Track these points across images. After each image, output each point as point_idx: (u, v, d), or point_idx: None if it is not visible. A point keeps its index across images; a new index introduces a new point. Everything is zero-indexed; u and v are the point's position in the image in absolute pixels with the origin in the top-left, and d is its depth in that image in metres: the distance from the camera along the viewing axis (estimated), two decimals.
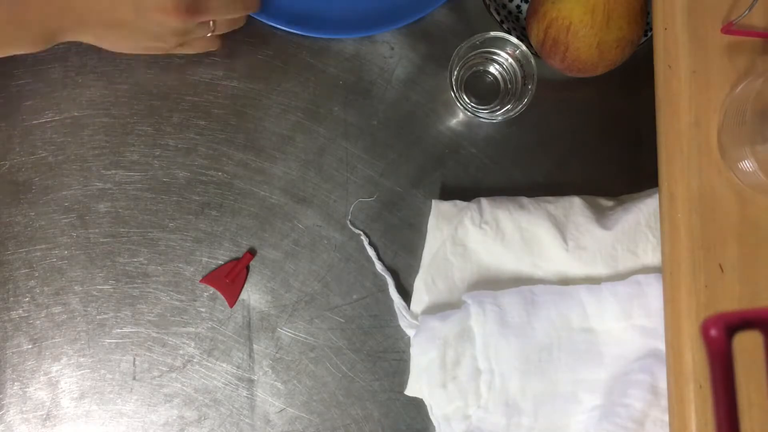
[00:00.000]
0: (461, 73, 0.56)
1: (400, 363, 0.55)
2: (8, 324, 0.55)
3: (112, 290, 0.55)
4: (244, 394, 0.54)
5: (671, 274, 0.48)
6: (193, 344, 0.55)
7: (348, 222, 0.56)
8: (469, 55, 0.55)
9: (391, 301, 0.55)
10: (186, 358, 0.55)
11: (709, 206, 0.47)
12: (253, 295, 0.55)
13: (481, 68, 0.57)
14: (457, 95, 0.53)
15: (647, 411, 0.49)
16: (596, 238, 0.53)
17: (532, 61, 0.52)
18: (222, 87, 0.57)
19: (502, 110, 0.55)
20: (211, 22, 0.50)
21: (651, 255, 0.53)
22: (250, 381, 0.54)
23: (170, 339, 0.55)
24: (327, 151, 0.57)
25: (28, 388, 0.54)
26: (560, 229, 0.53)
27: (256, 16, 0.55)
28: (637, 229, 0.53)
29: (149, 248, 0.56)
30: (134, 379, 0.55)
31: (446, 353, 0.51)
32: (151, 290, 0.55)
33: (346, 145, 0.57)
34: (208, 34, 0.51)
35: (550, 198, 0.55)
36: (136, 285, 0.55)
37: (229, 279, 0.55)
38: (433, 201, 0.55)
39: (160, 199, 0.56)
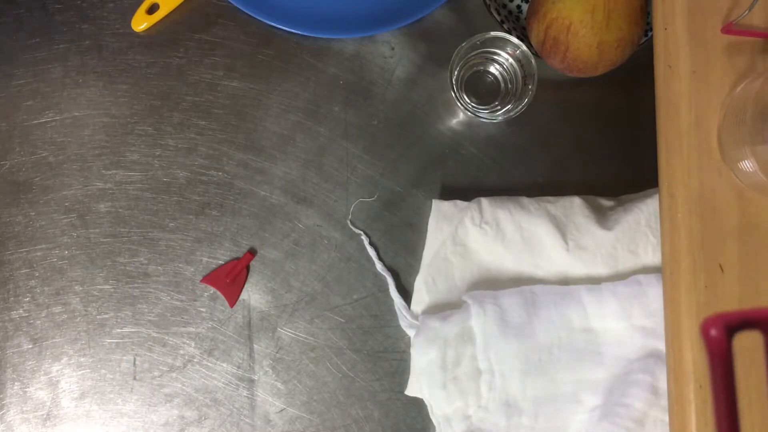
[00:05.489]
0: (462, 73, 0.56)
1: (401, 363, 0.55)
2: (9, 324, 0.55)
3: (112, 290, 0.55)
4: (245, 394, 0.54)
5: (671, 274, 0.48)
6: (193, 344, 0.55)
7: (348, 222, 0.56)
8: (470, 55, 0.55)
9: (392, 301, 0.55)
10: (186, 358, 0.55)
11: (709, 206, 0.47)
12: (253, 295, 0.55)
13: (482, 68, 0.57)
14: (457, 95, 0.53)
15: (647, 411, 0.49)
16: (596, 238, 0.53)
17: (533, 61, 0.52)
18: (222, 87, 0.57)
19: (503, 110, 0.55)
20: None
21: (651, 255, 0.53)
22: (251, 381, 0.55)
23: (170, 339, 0.55)
24: (327, 151, 0.57)
25: (29, 387, 0.55)
26: (560, 229, 0.53)
27: (256, 16, 0.55)
28: (638, 229, 0.53)
29: (149, 248, 0.56)
30: (135, 379, 0.55)
31: (446, 353, 0.51)
32: (152, 290, 0.55)
33: (346, 145, 0.57)
34: None
35: (551, 198, 0.55)
36: (136, 285, 0.55)
37: (229, 279, 0.55)
38: (434, 201, 0.55)
39: (160, 199, 0.56)
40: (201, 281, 0.55)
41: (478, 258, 0.54)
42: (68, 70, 0.57)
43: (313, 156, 0.57)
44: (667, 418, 0.48)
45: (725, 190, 0.47)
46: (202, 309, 0.55)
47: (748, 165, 0.46)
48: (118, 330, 0.55)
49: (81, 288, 0.55)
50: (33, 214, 0.56)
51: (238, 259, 0.56)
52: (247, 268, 0.55)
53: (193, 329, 0.55)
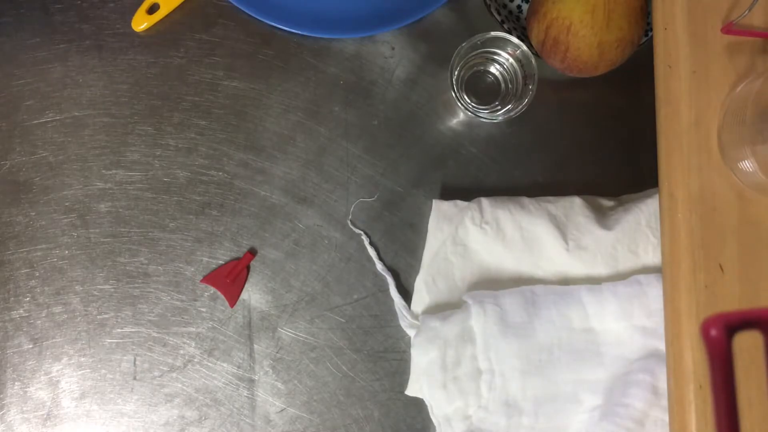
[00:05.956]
0: (462, 73, 0.56)
1: (401, 363, 0.55)
2: (9, 324, 0.55)
3: (112, 290, 0.55)
4: (245, 394, 0.54)
5: (671, 274, 0.48)
6: (193, 344, 0.55)
7: (348, 222, 0.56)
8: (470, 55, 0.55)
9: (392, 301, 0.55)
10: (187, 358, 0.55)
11: (709, 206, 0.47)
12: (253, 294, 0.55)
13: (482, 68, 0.57)
14: (457, 95, 0.54)
15: (648, 411, 0.49)
16: (597, 238, 0.53)
17: (533, 61, 0.52)
18: (223, 87, 0.57)
19: (503, 110, 0.55)
20: None
21: (651, 255, 0.53)
22: (251, 381, 0.55)
23: (171, 339, 0.55)
24: (327, 151, 0.57)
25: (29, 387, 0.55)
26: (561, 229, 0.53)
27: (256, 16, 0.55)
28: (638, 229, 0.53)
29: (150, 248, 0.56)
30: (135, 378, 0.55)
31: (447, 353, 0.51)
32: (152, 290, 0.55)
33: (346, 145, 0.57)
34: None
35: (551, 198, 0.55)
36: (136, 285, 0.55)
37: (229, 279, 0.55)
38: (434, 201, 0.55)
39: (160, 198, 0.56)
40: (201, 281, 0.55)
41: (478, 258, 0.54)
42: (68, 70, 0.57)
43: (314, 156, 0.57)
44: (667, 418, 0.48)
45: (725, 190, 0.47)
46: (202, 309, 0.55)
47: (748, 165, 0.46)
48: (119, 330, 0.55)
49: (81, 288, 0.55)
50: (33, 214, 0.56)
51: (238, 259, 0.56)
52: (248, 268, 0.55)
53: (194, 329, 0.55)
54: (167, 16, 0.57)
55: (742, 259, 0.47)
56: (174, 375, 0.55)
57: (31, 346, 0.55)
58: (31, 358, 0.55)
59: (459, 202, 0.55)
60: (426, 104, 0.57)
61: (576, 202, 0.54)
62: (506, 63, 0.56)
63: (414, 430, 0.54)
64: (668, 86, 0.49)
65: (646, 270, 0.52)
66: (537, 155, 0.57)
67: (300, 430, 0.54)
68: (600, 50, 0.50)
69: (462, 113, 0.57)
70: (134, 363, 0.55)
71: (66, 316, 0.55)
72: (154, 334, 0.55)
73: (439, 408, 0.51)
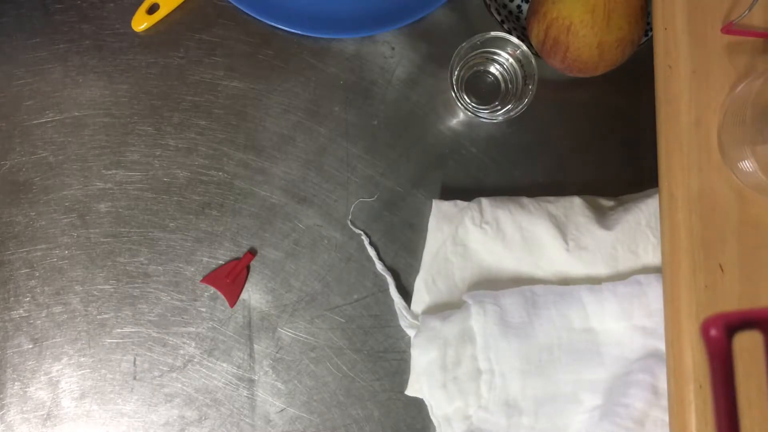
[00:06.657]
0: (462, 73, 0.56)
1: (401, 363, 0.55)
2: (9, 324, 0.55)
3: (112, 290, 0.55)
4: (245, 394, 0.54)
5: (671, 274, 0.48)
6: (193, 344, 0.55)
7: (348, 222, 0.56)
8: (470, 55, 0.55)
9: (392, 301, 0.55)
10: (186, 358, 0.55)
11: (709, 206, 0.47)
12: (253, 295, 0.55)
13: (482, 68, 0.57)
14: (457, 95, 0.54)
15: (647, 411, 0.49)
16: (597, 238, 0.53)
17: (533, 61, 0.52)
18: (223, 87, 0.57)
19: (503, 110, 0.55)
20: None
21: (651, 255, 0.53)
22: (251, 381, 0.55)
23: (171, 339, 0.55)
24: (327, 151, 0.57)
25: (29, 387, 0.55)
26: (561, 229, 0.53)
27: (256, 16, 0.55)
28: (638, 229, 0.53)
29: (150, 248, 0.56)
30: (135, 378, 0.55)
31: (447, 353, 0.51)
32: (152, 290, 0.55)
33: (346, 145, 0.57)
34: None
35: (551, 198, 0.55)
36: (136, 285, 0.55)
37: (229, 279, 0.55)
38: (434, 201, 0.55)
39: (160, 198, 0.56)
40: (201, 281, 0.55)
41: (478, 258, 0.54)
42: (68, 70, 0.57)
43: (314, 156, 0.57)
44: (667, 418, 0.48)
45: (725, 190, 0.47)
46: (202, 309, 0.55)
47: (748, 165, 0.46)
48: (119, 330, 0.55)
49: (81, 288, 0.55)
50: (33, 214, 0.56)
51: (238, 259, 0.56)
52: (248, 268, 0.55)
53: (194, 329, 0.55)
54: (167, 16, 0.57)
55: (742, 259, 0.47)
56: (174, 375, 0.55)
57: (31, 346, 0.55)
58: (31, 358, 0.55)
59: (459, 202, 0.55)
60: (426, 104, 0.57)
61: (576, 202, 0.54)
62: (506, 63, 0.56)
63: (414, 430, 0.54)
64: (668, 86, 0.49)
65: (646, 270, 0.52)
66: (537, 155, 0.57)
67: (300, 430, 0.54)
68: (600, 50, 0.50)
69: (462, 113, 0.57)
70: (134, 363, 0.55)
71: (66, 316, 0.55)
72: (154, 334, 0.55)
73: (439, 408, 0.51)
